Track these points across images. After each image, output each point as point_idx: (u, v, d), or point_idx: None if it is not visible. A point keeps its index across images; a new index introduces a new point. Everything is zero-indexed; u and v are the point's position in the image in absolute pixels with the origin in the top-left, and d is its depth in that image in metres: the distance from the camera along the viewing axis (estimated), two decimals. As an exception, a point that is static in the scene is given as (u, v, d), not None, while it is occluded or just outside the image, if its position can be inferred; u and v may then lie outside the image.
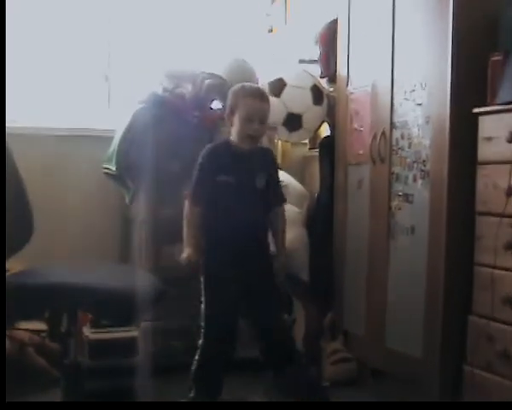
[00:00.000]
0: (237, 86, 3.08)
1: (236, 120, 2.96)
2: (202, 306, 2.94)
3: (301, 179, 4.31)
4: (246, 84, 3.15)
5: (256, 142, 3.01)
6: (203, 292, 2.95)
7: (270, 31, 4.72)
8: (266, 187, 3.00)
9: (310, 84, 4.05)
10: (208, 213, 2.97)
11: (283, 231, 3.11)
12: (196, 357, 2.93)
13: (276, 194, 3.09)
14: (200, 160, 3.01)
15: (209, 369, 2.93)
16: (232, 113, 2.98)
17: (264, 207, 3.02)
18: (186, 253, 2.91)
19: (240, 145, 2.98)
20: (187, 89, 3.78)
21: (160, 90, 3.77)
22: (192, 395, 2.92)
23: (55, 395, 2.81)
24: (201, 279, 2.96)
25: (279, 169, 3.24)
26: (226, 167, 2.96)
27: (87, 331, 3.32)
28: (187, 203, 2.98)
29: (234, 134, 2.99)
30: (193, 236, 2.95)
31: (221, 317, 2.92)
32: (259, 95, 3.02)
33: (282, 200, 3.13)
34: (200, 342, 2.93)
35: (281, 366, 2.99)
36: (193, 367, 2.94)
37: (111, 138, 3.78)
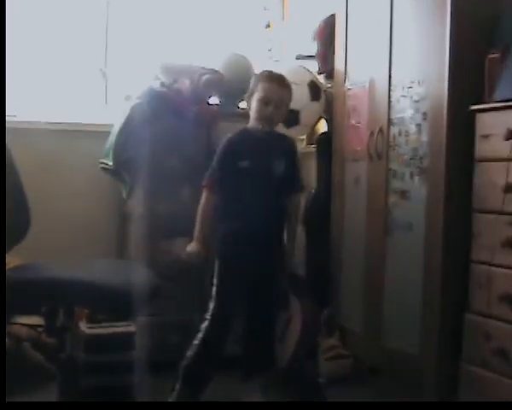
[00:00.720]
0: (262, 71, 3.10)
1: (253, 102, 2.97)
2: (213, 289, 2.96)
3: (298, 175, 4.30)
4: (268, 70, 3.17)
5: (271, 125, 3.01)
6: (216, 274, 2.97)
7: (268, 26, 4.71)
8: (284, 173, 3.00)
9: (307, 80, 4.04)
10: (226, 198, 2.98)
11: (296, 218, 3.15)
12: (196, 341, 2.95)
13: (294, 180, 3.08)
14: (219, 148, 3.02)
15: (208, 356, 2.94)
16: (251, 95, 3.00)
17: (281, 192, 3.02)
18: (193, 247, 2.95)
19: (257, 130, 2.98)
20: (184, 84, 3.77)
21: (157, 85, 3.76)
22: (178, 386, 2.94)
23: (52, 390, 2.80)
24: (216, 263, 2.98)
25: (298, 157, 3.22)
26: (243, 153, 2.96)
27: (83, 326, 3.31)
28: (204, 193, 2.99)
29: (251, 117, 3.00)
30: (204, 230, 2.98)
31: (231, 300, 2.96)
32: (278, 79, 3.02)
33: (299, 187, 3.14)
34: (205, 324, 2.95)
35: (257, 365, 3.01)
36: (187, 360, 2.95)
37: (108, 133, 3.77)
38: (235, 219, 2.96)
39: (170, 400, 2.94)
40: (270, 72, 3.13)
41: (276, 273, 3.04)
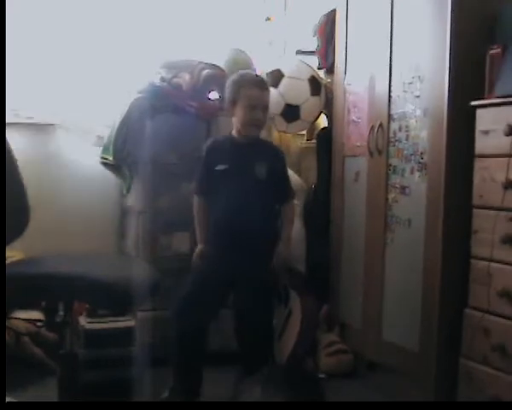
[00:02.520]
0: (236, 76, 3.09)
1: (239, 109, 2.99)
2: (190, 279, 3.03)
3: (298, 171, 4.30)
4: (244, 72, 3.18)
5: (260, 130, 3.05)
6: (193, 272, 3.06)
7: (268, 19, 4.71)
8: (269, 180, 3.02)
9: (307, 75, 4.04)
10: (208, 201, 3.05)
11: (289, 228, 3.17)
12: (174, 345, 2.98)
13: (283, 190, 3.13)
14: (202, 153, 3.10)
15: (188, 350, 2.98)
16: (234, 103, 3.02)
17: (263, 198, 3.03)
18: (199, 249, 3.07)
19: (241, 136, 3.02)
20: (184, 79, 3.77)
21: (157, 80, 3.76)
22: (172, 385, 2.96)
23: (51, 385, 2.80)
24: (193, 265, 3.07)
25: (286, 166, 3.24)
26: (224, 157, 3.01)
27: (83, 321, 3.32)
28: (194, 197, 3.11)
29: (237, 124, 3.03)
30: (204, 231, 3.07)
31: (201, 299, 2.96)
32: (260, 83, 3.06)
33: (289, 196, 3.17)
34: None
35: (252, 362, 3.02)
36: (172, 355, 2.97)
37: (108, 128, 3.77)
38: (217, 222, 3.03)
39: (164, 396, 2.95)
40: (250, 75, 3.19)
41: (260, 273, 3.03)
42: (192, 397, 2.94)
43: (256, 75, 3.26)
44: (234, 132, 3.08)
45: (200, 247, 3.08)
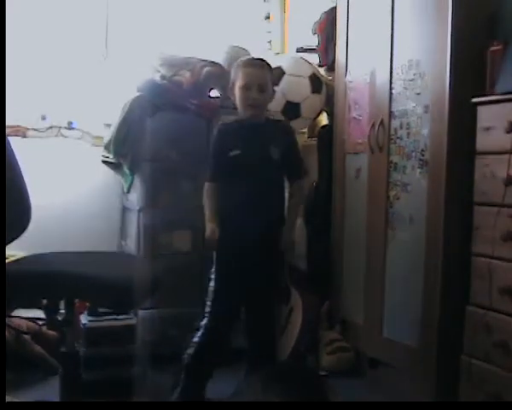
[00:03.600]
0: (239, 60, 3.09)
1: (236, 90, 2.97)
2: (211, 284, 2.97)
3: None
4: (248, 57, 3.16)
5: (258, 111, 2.99)
6: (214, 266, 2.98)
7: (267, 17, 4.70)
8: (281, 160, 2.98)
9: (308, 72, 4.03)
10: (223, 188, 2.98)
11: (298, 206, 3.14)
12: (196, 339, 2.95)
13: (294, 167, 3.07)
14: (212, 139, 3.06)
15: (209, 351, 2.95)
16: (233, 86, 3.00)
17: (279, 179, 3.02)
18: (209, 229, 2.93)
19: (248, 119, 2.98)
20: (185, 76, 3.76)
21: (157, 78, 3.76)
22: (182, 384, 2.94)
23: (53, 384, 2.81)
24: (214, 254, 2.99)
25: (297, 143, 3.19)
26: (236, 142, 2.96)
27: (84, 319, 3.32)
28: (205, 184, 3.01)
29: (238, 107, 3.00)
30: (214, 211, 2.97)
31: (230, 292, 2.95)
32: (256, 63, 3.02)
33: (301, 173, 3.13)
34: (204, 322, 2.95)
35: (260, 361, 3.01)
36: (188, 358, 2.95)
37: (109, 126, 3.77)
38: (231, 207, 2.96)
39: (174, 396, 2.94)
40: (248, 58, 3.16)
41: (275, 262, 3.03)
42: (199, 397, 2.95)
43: (254, 57, 3.21)
44: (239, 116, 3.04)
45: (211, 226, 2.94)
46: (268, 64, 3.05)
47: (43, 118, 3.87)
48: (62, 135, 3.90)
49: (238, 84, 2.95)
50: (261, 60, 3.08)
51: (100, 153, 3.77)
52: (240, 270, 2.94)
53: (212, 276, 2.97)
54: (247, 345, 3.09)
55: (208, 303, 2.96)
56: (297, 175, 3.09)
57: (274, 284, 3.07)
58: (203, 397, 2.97)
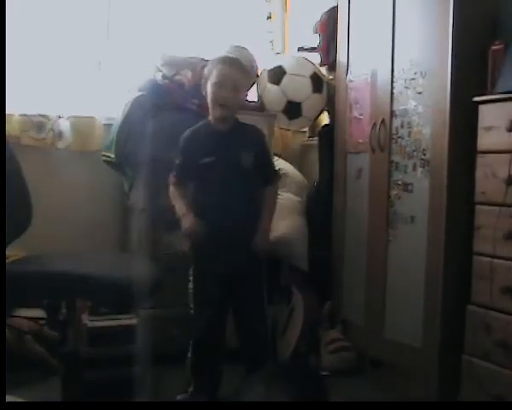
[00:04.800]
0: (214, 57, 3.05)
1: (208, 87, 2.91)
2: (190, 284, 3.01)
3: (300, 168, 4.30)
4: (225, 54, 3.11)
5: (228, 112, 2.92)
6: (192, 273, 3.01)
7: (269, 17, 4.70)
8: (255, 165, 2.94)
9: (309, 72, 4.04)
10: (194, 193, 2.96)
11: (271, 212, 3.05)
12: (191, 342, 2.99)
13: (267, 173, 3.04)
14: (180, 144, 2.99)
15: (202, 351, 2.97)
16: (205, 81, 2.94)
17: (251, 185, 2.97)
18: (188, 221, 2.89)
19: (217, 121, 2.92)
20: (186, 76, 3.76)
21: (159, 78, 3.75)
22: (191, 389, 2.96)
23: (54, 384, 2.81)
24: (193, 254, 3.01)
25: (268, 148, 3.17)
26: (207, 148, 2.92)
27: (85, 319, 3.31)
28: (170, 187, 2.98)
29: (208, 104, 2.93)
30: (185, 205, 2.93)
31: (208, 293, 2.95)
32: (232, 61, 2.96)
33: (273, 179, 3.08)
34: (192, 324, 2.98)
35: (254, 360, 3.01)
36: (188, 358, 2.97)
37: (110, 126, 3.77)
38: (203, 214, 2.93)
39: (185, 398, 2.96)
40: (225, 56, 3.08)
41: (252, 266, 3.00)
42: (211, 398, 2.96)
43: (230, 55, 3.12)
44: (210, 118, 2.97)
45: (188, 218, 2.89)
46: (244, 65, 3.00)
47: (44, 119, 3.86)
48: (62, 134, 3.89)
49: (211, 80, 2.90)
50: (237, 60, 3.02)
51: (101, 152, 3.77)
52: (215, 272, 2.92)
53: (190, 278, 2.99)
54: (240, 345, 3.09)
55: (190, 305, 2.98)
56: (269, 181, 3.06)
57: (255, 286, 3.03)
58: (216, 397, 2.98)
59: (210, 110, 2.93)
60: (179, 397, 2.97)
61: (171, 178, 2.99)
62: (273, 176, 3.11)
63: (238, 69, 2.94)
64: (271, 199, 3.06)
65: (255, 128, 3.11)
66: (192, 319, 2.99)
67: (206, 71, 2.97)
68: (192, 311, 2.99)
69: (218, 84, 2.87)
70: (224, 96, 2.87)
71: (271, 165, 3.13)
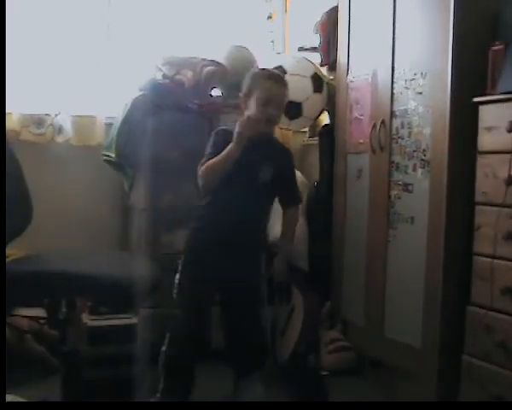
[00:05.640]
0: (255, 69, 3.05)
1: (252, 103, 2.90)
2: (176, 279, 2.96)
3: (300, 168, 4.30)
4: (265, 67, 3.12)
5: (272, 128, 2.98)
6: (180, 267, 2.96)
7: (269, 17, 4.70)
8: (278, 183, 2.95)
9: (310, 72, 4.04)
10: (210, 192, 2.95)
11: (292, 234, 3.10)
12: (164, 345, 2.95)
13: (291, 194, 3.07)
14: (213, 137, 2.98)
15: (180, 351, 2.93)
16: (248, 96, 2.93)
17: (267, 199, 3.00)
18: (246, 117, 2.85)
19: (261, 133, 2.90)
20: (187, 76, 3.76)
21: (159, 77, 3.76)
22: (161, 385, 2.92)
23: (54, 383, 2.81)
24: (183, 256, 2.98)
25: (294, 170, 3.17)
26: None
27: (86, 318, 3.32)
28: (201, 170, 2.90)
29: (250, 117, 2.89)
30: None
31: (195, 286, 2.91)
32: (278, 78, 2.98)
33: (295, 200, 3.10)
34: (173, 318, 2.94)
35: (245, 367, 2.99)
36: (162, 352, 2.95)
37: (111, 125, 3.77)
38: (209, 215, 2.94)
39: (154, 399, 2.91)
40: (269, 70, 3.09)
41: (252, 275, 2.99)
42: (184, 397, 2.92)
43: (275, 71, 3.15)
44: None
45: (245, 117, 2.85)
46: (286, 81, 3.01)
47: (44, 115, 3.86)
48: (62, 129, 3.89)
49: (256, 96, 2.88)
50: (281, 75, 3.05)
51: (102, 152, 3.77)
52: (208, 266, 2.89)
53: (177, 275, 2.97)
54: (228, 353, 3.08)
55: (174, 297, 2.95)
56: (292, 203, 3.09)
57: (254, 296, 3.02)
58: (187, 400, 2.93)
59: (251, 122, 2.85)
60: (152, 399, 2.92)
61: (200, 166, 2.93)
62: (297, 198, 3.12)
63: (284, 85, 2.97)
64: (294, 221, 3.11)
65: (285, 148, 3.21)
66: (174, 312, 2.95)
67: (247, 84, 2.95)
68: (177, 303, 2.95)
69: (266, 102, 2.86)
70: (271, 113, 2.88)
71: (296, 187, 3.14)
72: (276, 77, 2.99)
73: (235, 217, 2.88)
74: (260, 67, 4.09)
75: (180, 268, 2.96)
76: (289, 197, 3.08)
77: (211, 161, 2.87)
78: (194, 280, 2.91)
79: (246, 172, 2.88)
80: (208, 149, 2.94)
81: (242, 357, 3.02)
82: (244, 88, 2.97)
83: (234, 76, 3.91)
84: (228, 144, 2.84)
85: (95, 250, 3.21)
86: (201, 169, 2.90)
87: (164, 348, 2.95)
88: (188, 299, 2.92)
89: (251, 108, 2.90)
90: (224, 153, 2.84)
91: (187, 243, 3.01)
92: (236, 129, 2.82)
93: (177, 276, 2.96)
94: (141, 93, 3.66)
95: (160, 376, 2.93)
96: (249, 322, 3.01)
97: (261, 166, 2.92)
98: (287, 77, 3.93)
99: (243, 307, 2.99)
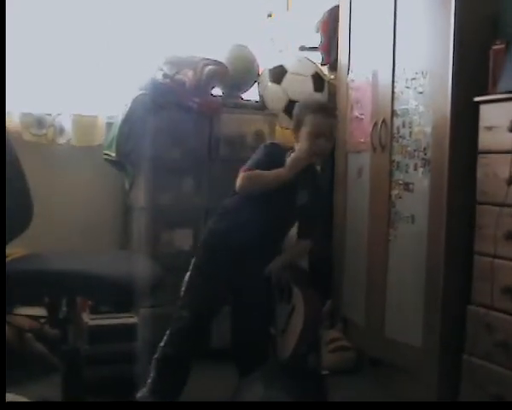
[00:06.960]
0: (303, 100, 3.06)
1: (303, 136, 2.92)
2: (186, 277, 2.96)
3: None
4: (313, 98, 3.13)
5: (322, 159, 3.10)
6: (193, 266, 2.96)
7: (269, 15, 4.70)
8: (304, 212, 2.98)
9: (311, 71, 4.03)
10: (240, 199, 2.96)
11: (291, 257, 3.13)
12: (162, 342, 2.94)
13: (309, 226, 3.07)
14: (262, 149, 3.00)
15: (181, 342, 2.92)
16: (298, 127, 2.95)
17: (290, 223, 3.06)
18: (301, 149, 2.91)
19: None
20: (187, 75, 3.76)
21: (160, 77, 3.75)
22: (149, 380, 2.90)
23: (55, 382, 2.80)
24: (197, 254, 2.99)
25: (324, 206, 3.25)
26: (278, 166, 2.92)
27: (86, 318, 3.32)
28: (244, 175, 2.91)
29: (301, 149, 2.93)
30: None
31: (206, 284, 2.92)
32: (327, 110, 3.00)
33: (311, 235, 3.09)
34: (176, 319, 2.93)
35: (248, 367, 3.00)
36: (161, 345, 2.93)
37: (111, 125, 3.77)
38: (234, 221, 2.94)
39: (141, 394, 2.90)
40: (318, 101, 3.14)
41: (264, 281, 3.01)
42: (173, 397, 2.91)
43: (323, 102, 3.19)
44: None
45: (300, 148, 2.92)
46: (335, 112, 3.07)
47: (45, 115, 3.86)
48: (63, 129, 3.88)
49: (307, 129, 2.90)
50: (329, 105, 3.10)
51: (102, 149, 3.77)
52: (225, 268, 2.91)
53: (191, 266, 2.97)
54: (233, 351, 3.08)
55: (182, 294, 2.95)
56: (307, 235, 3.08)
57: (262, 299, 3.04)
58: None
59: (302, 152, 2.91)
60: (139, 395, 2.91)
61: (243, 170, 2.94)
62: (313, 233, 3.11)
63: (333, 117, 3.02)
64: (301, 253, 3.20)
65: (322, 180, 3.24)
66: (179, 311, 2.95)
67: (297, 115, 2.98)
68: (185, 302, 2.94)
69: (317, 135, 2.89)
70: (321, 146, 2.91)
71: (318, 222, 3.16)
72: (324, 109, 3.00)
73: (261, 230, 2.89)
74: (261, 65, 4.10)
75: (192, 267, 2.97)
76: (308, 229, 3.07)
77: (258, 173, 2.91)
78: (209, 280, 2.92)
79: (283, 193, 2.90)
80: (255, 157, 2.98)
81: (247, 356, 3.02)
82: (294, 120, 3.00)
83: (234, 75, 3.92)
84: (273, 157, 2.92)
85: (95, 249, 3.21)
86: (246, 175, 2.92)
87: (162, 344, 2.94)
88: (200, 298, 2.92)
89: (302, 141, 2.93)
90: (274, 173, 2.89)
91: (204, 242, 3.02)
92: (292, 157, 2.90)
93: (188, 274, 2.96)
94: (141, 92, 3.66)
95: (150, 371, 2.92)
96: (258, 323, 3.03)
97: (298, 192, 2.96)
98: (288, 76, 3.96)
99: (254, 309, 3.00)
